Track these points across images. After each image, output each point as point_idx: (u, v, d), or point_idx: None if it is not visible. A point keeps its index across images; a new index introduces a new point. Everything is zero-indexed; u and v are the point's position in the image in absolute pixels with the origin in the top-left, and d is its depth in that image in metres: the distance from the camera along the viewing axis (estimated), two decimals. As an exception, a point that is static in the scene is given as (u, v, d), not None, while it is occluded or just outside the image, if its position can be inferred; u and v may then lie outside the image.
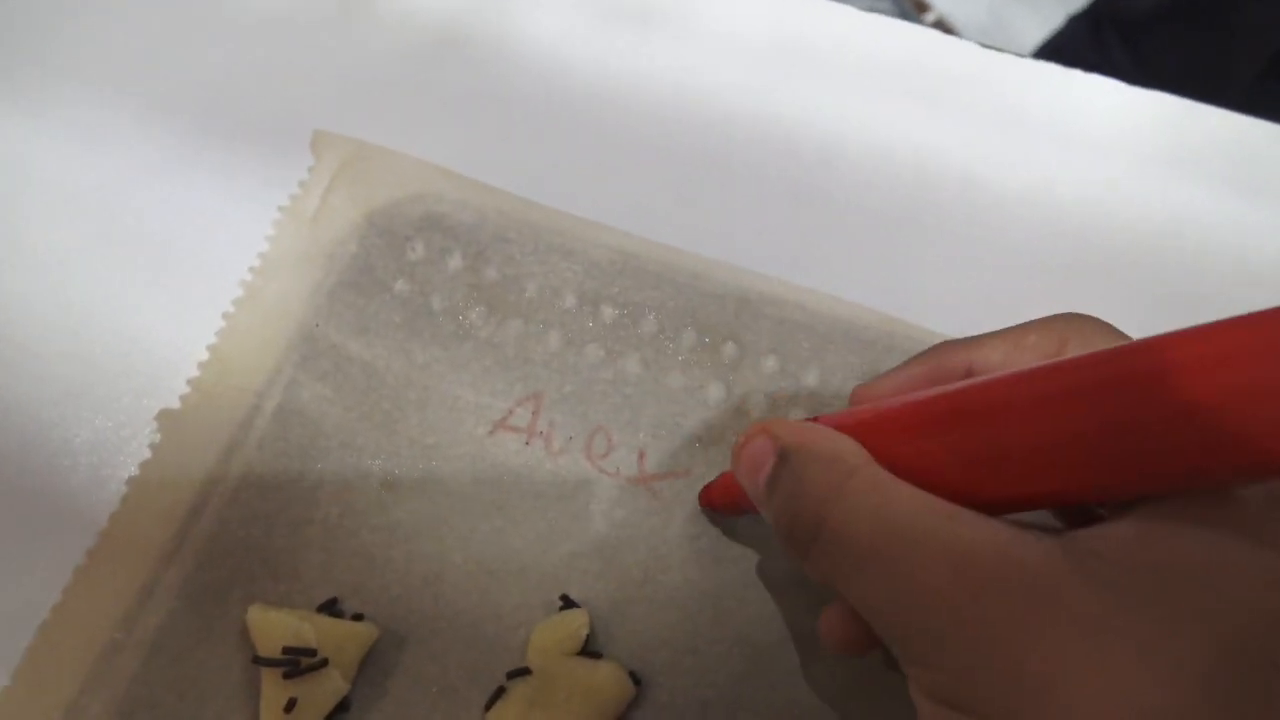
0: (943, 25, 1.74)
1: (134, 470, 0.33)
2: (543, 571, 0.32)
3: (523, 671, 0.30)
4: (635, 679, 0.30)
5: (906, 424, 0.24)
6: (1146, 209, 0.40)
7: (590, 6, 0.43)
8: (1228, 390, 0.18)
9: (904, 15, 1.74)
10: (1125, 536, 0.20)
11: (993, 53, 0.43)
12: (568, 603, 0.31)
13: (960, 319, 0.36)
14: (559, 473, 0.33)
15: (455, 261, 0.36)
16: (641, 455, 0.34)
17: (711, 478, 0.33)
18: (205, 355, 0.35)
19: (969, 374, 0.26)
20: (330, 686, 0.29)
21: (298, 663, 0.29)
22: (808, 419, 0.27)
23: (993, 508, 0.22)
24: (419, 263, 0.36)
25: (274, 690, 0.29)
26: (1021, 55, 0.44)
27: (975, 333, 0.36)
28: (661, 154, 0.40)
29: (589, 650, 0.31)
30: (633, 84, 0.41)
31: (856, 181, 0.40)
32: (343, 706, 0.30)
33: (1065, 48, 1.09)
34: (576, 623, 0.31)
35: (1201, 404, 0.18)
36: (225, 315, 0.35)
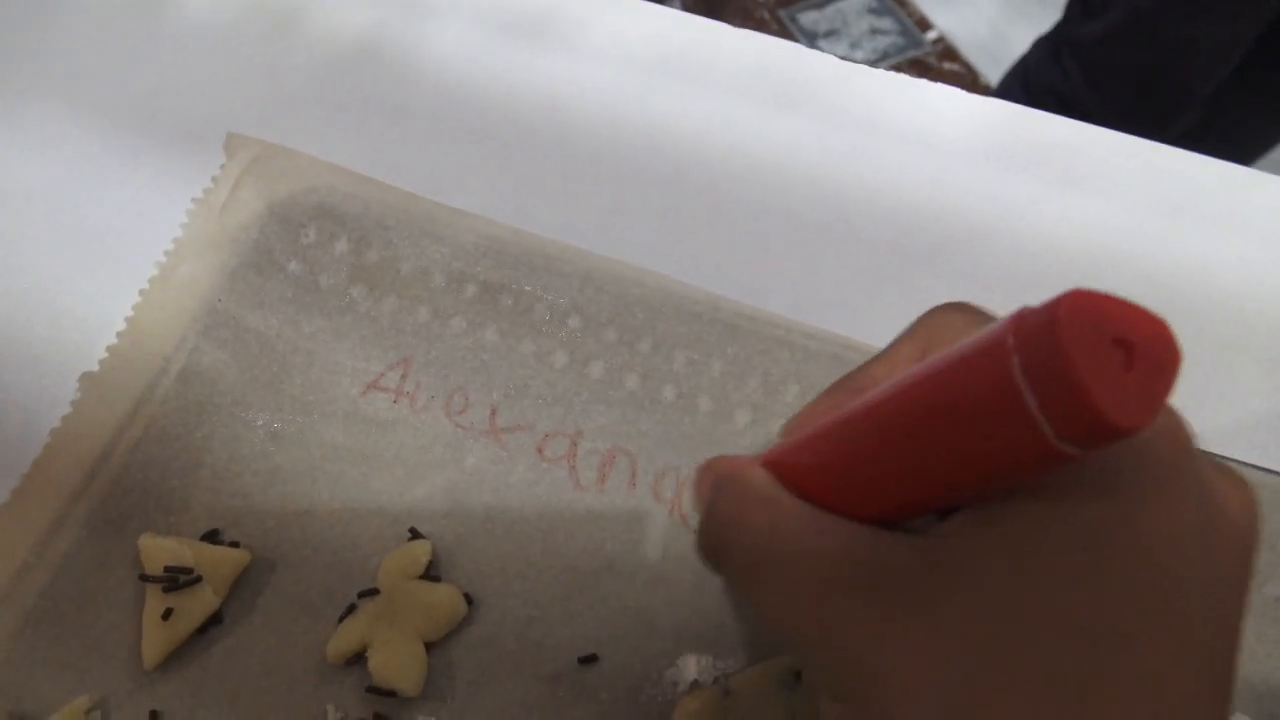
0: (944, 42, 1.79)
1: (56, 423, 0.39)
2: (398, 509, 0.37)
3: (372, 592, 0.35)
4: (469, 599, 0.35)
5: (800, 452, 0.25)
6: (981, 201, 0.45)
7: (490, 23, 0.49)
8: (968, 410, 0.19)
9: (905, 33, 1.79)
10: (960, 524, 0.21)
11: (850, 64, 0.48)
12: (415, 534, 0.36)
13: (799, 299, 0.41)
14: (420, 426, 0.38)
15: (341, 245, 0.41)
16: (493, 411, 0.39)
17: (553, 431, 0.38)
18: (122, 325, 0.40)
19: (857, 395, 0.26)
20: (203, 600, 0.34)
21: (176, 579, 0.34)
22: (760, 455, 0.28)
23: (877, 518, 0.23)
24: (310, 246, 0.41)
25: (155, 602, 0.34)
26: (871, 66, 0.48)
27: (808, 309, 0.40)
28: (537, 153, 0.45)
29: (430, 575, 0.36)
30: (520, 92, 0.47)
31: (715, 178, 0.45)
32: (216, 619, 0.35)
33: (1030, 69, 1.12)
34: (420, 551, 0.36)
35: (958, 424, 0.19)
36: (141, 292, 0.41)
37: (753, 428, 0.38)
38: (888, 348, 0.27)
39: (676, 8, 1.86)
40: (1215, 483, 0.22)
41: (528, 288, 0.40)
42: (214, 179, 0.43)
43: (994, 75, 1.73)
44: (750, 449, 0.38)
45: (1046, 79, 1.07)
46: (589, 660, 0.34)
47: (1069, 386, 0.18)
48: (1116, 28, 0.98)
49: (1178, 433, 0.21)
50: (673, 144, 0.45)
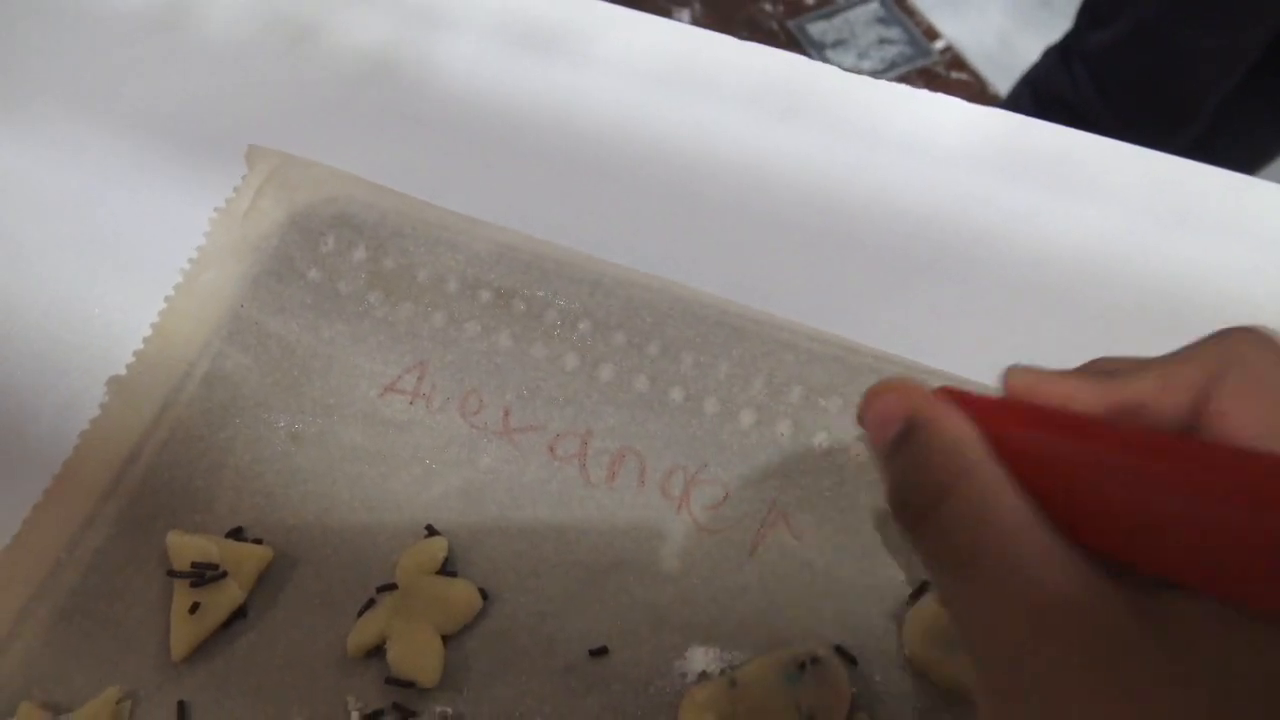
0: (952, 51, 1.80)
1: (86, 425, 0.40)
2: (415, 507, 0.38)
3: (390, 587, 0.36)
4: (484, 594, 0.36)
5: (1031, 429, 0.23)
6: (982, 209, 0.46)
7: (502, 36, 0.50)
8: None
9: (913, 43, 1.80)
10: (1191, 612, 0.20)
11: (853, 75, 0.49)
12: (431, 532, 0.37)
13: (802, 303, 0.42)
14: (436, 427, 0.40)
15: (359, 253, 0.42)
16: (507, 413, 0.40)
17: (564, 431, 0.39)
18: (149, 331, 0.41)
19: (1118, 405, 0.24)
20: (229, 594, 0.36)
21: (202, 575, 0.36)
22: (941, 389, 0.25)
23: (1090, 548, 0.22)
24: (329, 254, 0.43)
25: (183, 597, 0.36)
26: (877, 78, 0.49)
27: (812, 313, 0.42)
28: (548, 162, 0.46)
29: (446, 570, 0.37)
30: (531, 103, 0.48)
31: (721, 187, 0.46)
32: (241, 613, 0.36)
33: (1040, 79, 1.13)
34: (436, 547, 0.37)
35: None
36: (167, 298, 0.42)
37: (758, 428, 0.39)
38: (1166, 359, 0.24)
39: (685, 18, 1.87)
40: None
41: (539, 293, 0.41)
42: (236, 189, 0.44)
43: (1002, 84, 1.74)
44: (755, 448, 0.39)
45: (1056, 88, 1.08)
46: (600, 652, 0.36)
47: None
48: (1124, 37, 0.99)
49: None
50: (680, 153, 0.47)
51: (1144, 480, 0.21)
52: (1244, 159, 1.10)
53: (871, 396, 0.25)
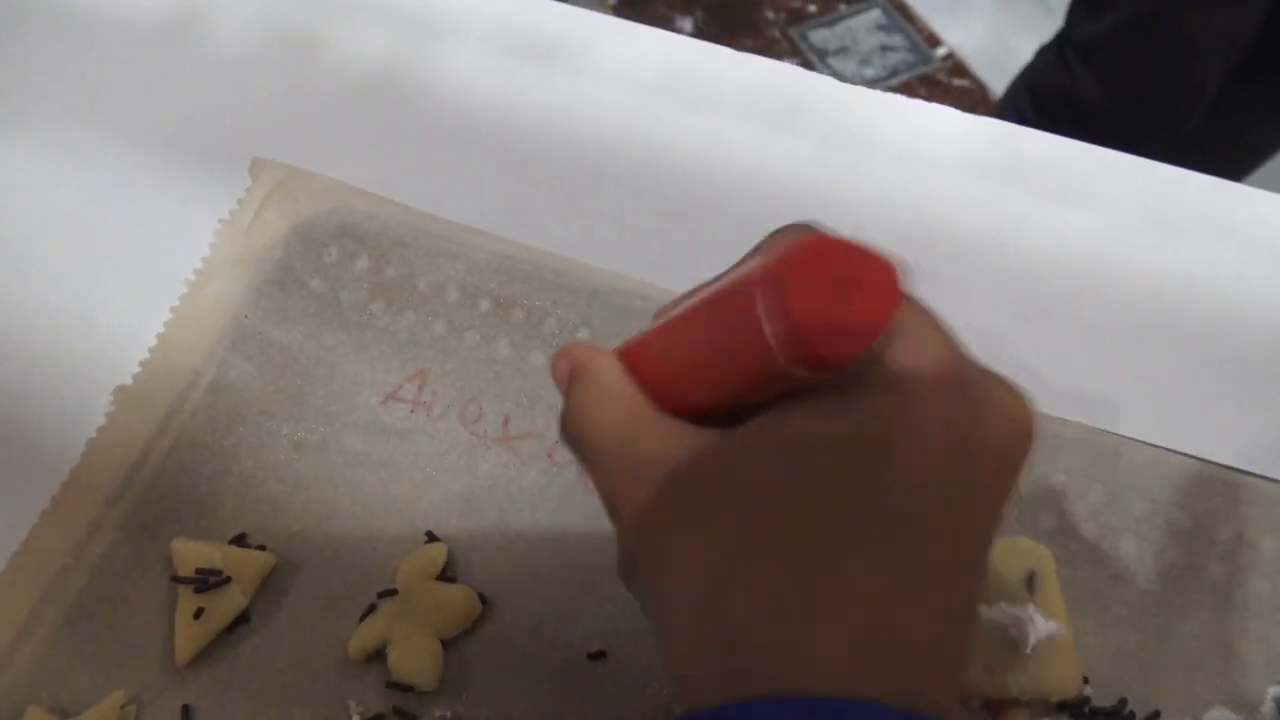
0: (954, 58, 1.81)
1: (92, 434, 0.41)
2: (415, 513, 0.39)
3: (391, 592, 0.37)
4: (483, 599, 0.37)
5: (644, 346, 0.28)
6: (972, 214, 0.46)
7: (500, 49, 0.51)
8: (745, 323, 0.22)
9: (915, 50, 1.81)
10: (749, 426, 0.24)
11: (845, 85, 0.50)
12: (431, 538, 0.38)
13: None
14: (436, 435, 0.40)
15: (362, 263, 0.43)
16: (506, 420, 0.41)
17: (562, 439, 0.40)
18: (154, 341, 0.42)
19: None
20: (232, 600, 0.36)
21: (206, 580, 0.36)
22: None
23: (692, 413, 0.26)
24: (332, 264, 0.43)
25: (187, 602, 0.36)
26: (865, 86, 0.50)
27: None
28: (546, 173, 0.47)
29: (446, 576, 0.37)
30: (530, 115, 0.49)
31: (716, 196, 0.47)
32: (244, 618, 0.37)
33: (1036, 77, 1.14)
34: (436, 553, 0.37)
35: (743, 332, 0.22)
36: (172, 309, 0.43)
37: (754, 434, 0.40)
38: (738, 262, 0.28)
39: (688, 27, 1.88)
40: (991, 396, 0.24)
41: (538, 302, 0.42)
42: (240, 201, 0.45)
43: (1003, 91, 1.74)
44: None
45: (1055, 84, 1.08)
46: (598, 656, 0.36)
47: (787, 323, 0.21)
48: (1120, 25, 0.99)
49: (948, 351, 0.24)
50: (676, 163, 0.47)
51: (679, 330, 0.26)
52: (1241, 155, 1.10)
53: (555, 359, 0.30)
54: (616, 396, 0.27)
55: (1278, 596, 0.36)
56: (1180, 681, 0.36)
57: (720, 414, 0.25)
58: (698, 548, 0.24)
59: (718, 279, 0.27)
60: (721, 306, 0.24)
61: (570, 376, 0.29)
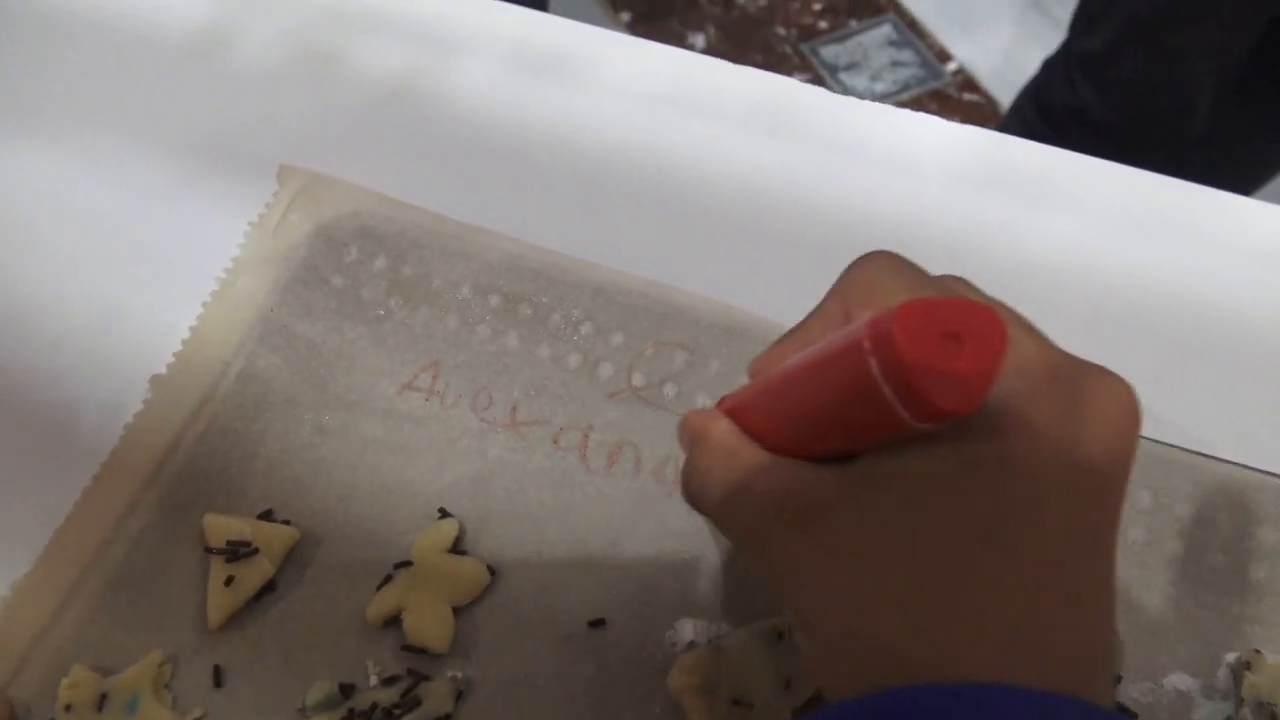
0: (964, 73, 1.83)
1: (130, 419, 0.44)
2: (430, 493, 0.42)
3: (406, 564, 0.40)
4: (492, 571, 0.40)
5: (749, 401, 0.30)
6: (958, 221, 0.49)
7: (513, 63, 0.54)
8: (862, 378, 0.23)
9: (925, 65, 1.84)
10: (865, 461, 0.26)
11: (839, 96, 0.53)
12: (444, 514, 0.41)
13: (789, 306, 0.45)
14: (449, 421, 0.43)
15: (380, 262, 0.46)
16: (514, 408, 0.43)
17: (567, 424, 0.43)
18: (187, 333, 0.45)
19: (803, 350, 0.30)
20: (260, 569, 0.39)
21: (236, 551, 0.39)
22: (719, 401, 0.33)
23: (806, 457, 0.27)
24: (352, 263, 0.46)
25: (218, 571, 0.39)
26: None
27: (796, 314, 0.45)
28: (554, 179, 0.50)
29: (457, 549, 0.40)
30: (539, 125, 0.52)
31: (714, 200, 0.49)
32: (271, 587, 0.40)
33: (1042, 91, 1.16)
34: (449, 528, 0.40)
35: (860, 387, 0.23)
36: (204, 304, 0.46)
37: (745, 420, 0.42)
38: (819, 304, 0.31)
39: (700, 43, 1.90)
40: (1094, 388, 0.26)
41: (545, 299, 0.45)
42: (267, 204, 0.48)
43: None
44: (742, 439, 0.42)
45: (1061, 98, 1.10)
46: (598, 624, 0.39)
47: (907, 384, 0.22)
48: (1116, 39, 1.01)
49: (1044, 355, 0.26)
50: (676, 169, 0.50)
51: (793, 390, 0.28)
52: (1244, 170, 1.12)
53: (679, 428, 0.33)
54: (733, 449, 0.29)
55: (1232, 570, 0.39)
56: (1141, 649, 0.38)
57: (833, 456, 0.27)
58: (831, 574, 0.26)
59: (807, 329, 0.30)
60: (832, 369, 0.25)
61: (690, 444, 0.31)
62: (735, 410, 0.31)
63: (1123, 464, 0.26)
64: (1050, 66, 1.15)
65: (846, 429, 0.26)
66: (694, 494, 0.30)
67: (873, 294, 0.28)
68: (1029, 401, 0.25)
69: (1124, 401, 0.26)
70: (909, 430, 0.23)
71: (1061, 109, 1.10)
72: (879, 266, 0.29)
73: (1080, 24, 1.08)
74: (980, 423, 0.24)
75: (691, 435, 0.31)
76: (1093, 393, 0.26)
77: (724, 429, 0.30)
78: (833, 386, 0.25)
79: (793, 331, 0.31)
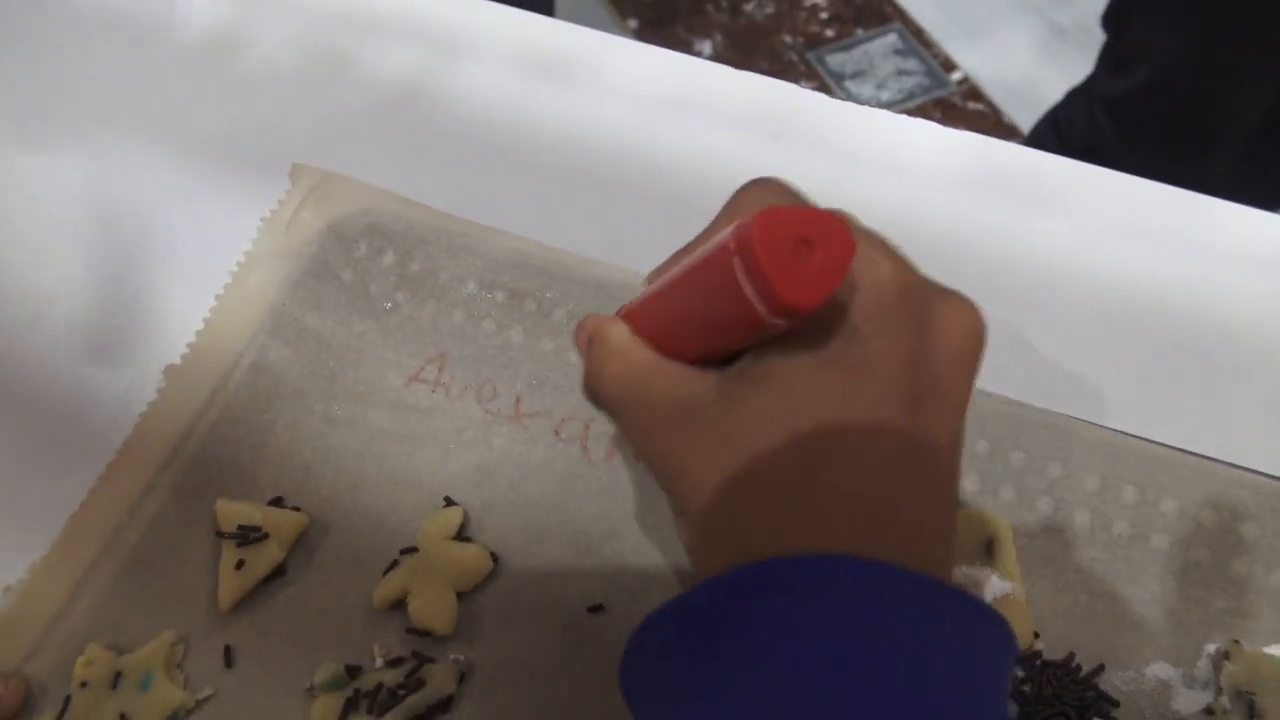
0: (969, 82, 1.84)
1: (145, 408, 0.45)
2: (435, 482, 0.43)
3: (412, 550, 0.41)
4: (495, 557, 0.41)
5: (642, 308, 0.33)
6: (954, 224, 0.50)
7: (520, 66, 0.55)
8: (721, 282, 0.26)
9: (931, 74, 1.85)
10: (741, 364, 0.29)
11: (837, 101, 0.54)
12: (449, 502, 0.42)
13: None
14: (455, 412, 0.45)
15: (389, 258, 0.48)
16: (518, 400, 0.45)
17: (568, 416, 0.44)
18: (201, 326, 0.47)
19: None
20: (270, 554, 0.41)
21: (247, 536, 0.41)
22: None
23: (693, 361, 0.30)
24: (362, 258, 0.48)
25: (229, 554, 0.41)
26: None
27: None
28: (558, 178, 0.51)
29: (462, 536, 0.41)
30: (544, 126, 0.53)
31: (714, 200, 0.51)
32: (280, 571, 0.41)
33: (1062, 122, 1.14)
34: (453, 516, 0.42)
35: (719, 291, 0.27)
36: (217, 297, 0.47)
37: (742, 414, 0.44)
38: (713, 220, 0.33)
39: (707, 50, 1.91)
40: (942, 308, 0.29)
41: (549, 294, 0.46)
42: (280, 201, 0.49)
43: (1018, 115, 1.76)
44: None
45: (1080, 133, 1.08)
46: (597, 610, 0.40)
47: (763, 280, 0.25)
48: (1145, 85, 1.00)
49: (890, 283, 0.28)
50: (677, 170, 0.52)
51: (673, 295, 0.31)
52: (1267, 192, 1.10)
53: (576, 331, 0.35)
54: (626, 353, 0.32)
55: (1214, 564, 0.40)
56: (1125, 639, 0.39)
57: (715, 359, 0.30)
58: (708, 468, 0.28)
59: (696, 242, 0.32)
60: (705, 271, 0.28)
61: (588, 343, 0.33)
62: (630, 315, 0.33)
63: (964, 378, 0.29)
64: (1073, 97, 1.13)
65: (720, 329, 0.29)
66: (591, 390, 0.33)
67: (751, 211, 0.30)
68: (881, 312, 0.28)
69: (969, 322, 0.29)
70: (770, 329, 0.26)
71: (1079, 146, 1.07)
72: (768, 188, 0.32)
73: (1106, 64, 1.06)
74: (838, 329, 0.28)
75: (589, 336, 0.33)
76: (941, 313, 0.29)
77: (619, 332, 0.32)
78: (706, 290, 0.28)
79: (687, 246, 0.33)
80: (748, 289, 0.25)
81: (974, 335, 0.29)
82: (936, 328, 0.28)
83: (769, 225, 0.25)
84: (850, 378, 0.27)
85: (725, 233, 0.27)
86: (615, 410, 0.32)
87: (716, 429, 0.29)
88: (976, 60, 1.86)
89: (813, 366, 0.28)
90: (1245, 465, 0.42)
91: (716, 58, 1.77)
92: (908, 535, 0.28)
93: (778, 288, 0.25)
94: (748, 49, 1.88)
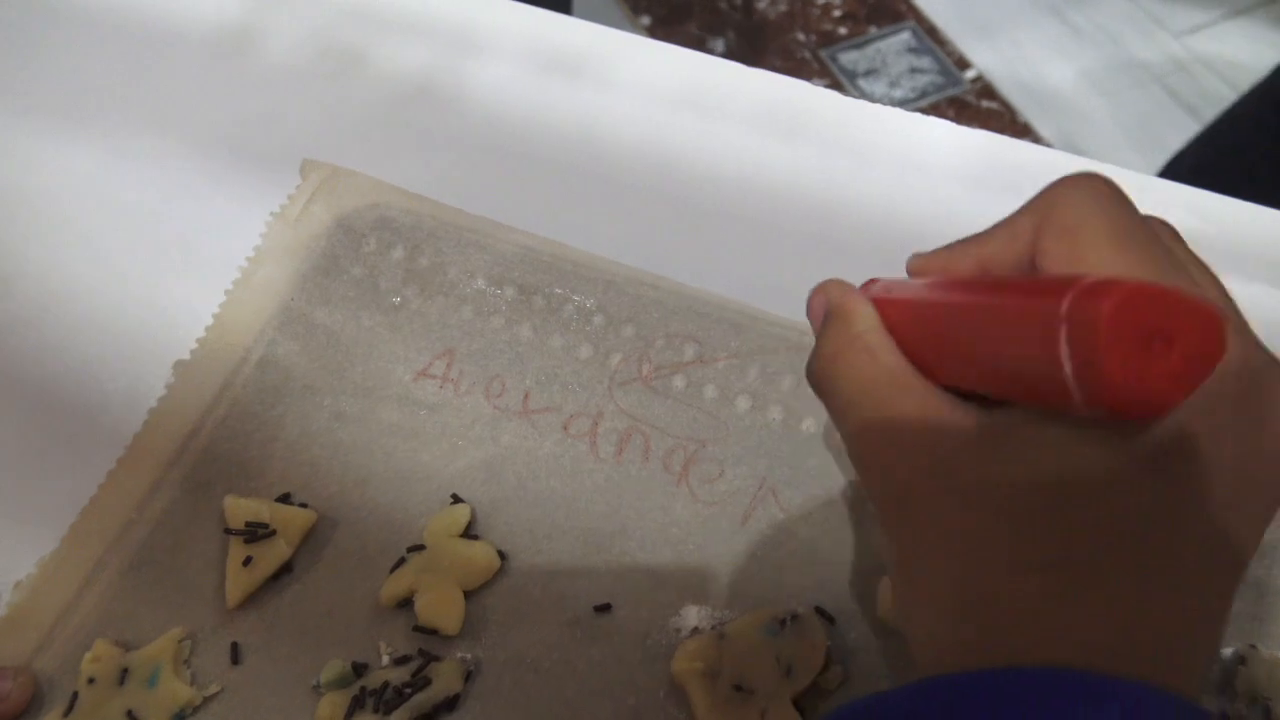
0: (983, 80, 1.83)
1: (154, 403, 0.45)
2: (443, 478, 0.43)
3: (419, 547, 0.41)
4: (502, 555, 0.41)
5: (905, 303, 0.28)
6: (965, 220, 0.50)
7: (530, 62, 0.55)
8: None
9: (944, 72, 1.84)
10: (1016, 414, 0.24)
11: (849, 99, 0.54)
12: (456, 500, 0.42)
13: (798, 304, 0.46)
14: (463, 408, 0.44)
15: (398, 253, 0.47)
16: (526, 396, 0.44)
17: (577, 412, 0.44)
18: (210, 320, 0.47)
19: (980, 263, 0.28)
20: (276, 551, 0.40)
21: (254, 533, 0.40)
22: (867, 282, 0.31)
23: (949, 384, 0.26)
24: (371, 253, 0.47)
25: (237, 551, 0.40)
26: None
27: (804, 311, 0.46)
28: (568, 175, 0.51)
29: (469, 534, 0.41)
30: (554, 123, 0.53)
31: (725, 198, 0.50)
32: (288, 568, 0.41)
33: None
34: (461, 513, 0.41)
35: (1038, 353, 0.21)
36: (226, 292, 0.47)
37: (752, 413, 0.43)
38: (1012, 215, 0.28)
39: (720, 48, 1.91)
40: (1274, 394, 0.24)
41: (558, 290, 0.46)
42: (290, 196, 0.49)
43: (1032, 113, 1.75)
44: (749, 431, 0.43)
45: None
46: (604, 609, 0.40)
47: (1095, 375, 0.20)
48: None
49: (1232, 365, 0.22)
50: (687, 167, 0.51)
51: (962, 316, 0.26)
52: None
53: (811, 295, 0.31)
54: (872, 349, 0.27)
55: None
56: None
57: (976, 395, 0.26)
58: (960, 523, 0.24)
59: (992, 235, 0.27)
60: (1016, 319, 0.23)
61: (825, 317, 0.29)
62: (883, 301, 0.28)
63: None
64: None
65: (1008, 382, 0.24)
66: (816, 377, 0.29)
67: (1074, 234, 0.25)
68: (1216, 405, 0.23)
69: None
70: (1074, 410, 0.22)
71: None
72: (1087, 196, 0.25)
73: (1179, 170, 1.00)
74: (1147, 429, 0.23)
75: (830, 310, 0.29)
76: (1276, 397, 0.24)
77: (867, 318, 0.28)
78: (1008, 337, 0.23)
79: (971, 239, 0.28)
80: (1068, 368, 0.20)
81: None
82: (1270, 419, 0.24)
83: (1124, 309, 0.20)
84: (1161, 484, 0.23)
85: (1055, 284, 0.21)
86: (841, 411, 0.28)
87: (979, 487, 0.24)
88: (990, 58, 1.85)
89: (1120, 460, 0.23)
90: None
91: (729, 55, 1.76)
92: (1172, 651, 0.23)
93: (1114, 389, 0.20)
94: (760, 46, 1.87)
